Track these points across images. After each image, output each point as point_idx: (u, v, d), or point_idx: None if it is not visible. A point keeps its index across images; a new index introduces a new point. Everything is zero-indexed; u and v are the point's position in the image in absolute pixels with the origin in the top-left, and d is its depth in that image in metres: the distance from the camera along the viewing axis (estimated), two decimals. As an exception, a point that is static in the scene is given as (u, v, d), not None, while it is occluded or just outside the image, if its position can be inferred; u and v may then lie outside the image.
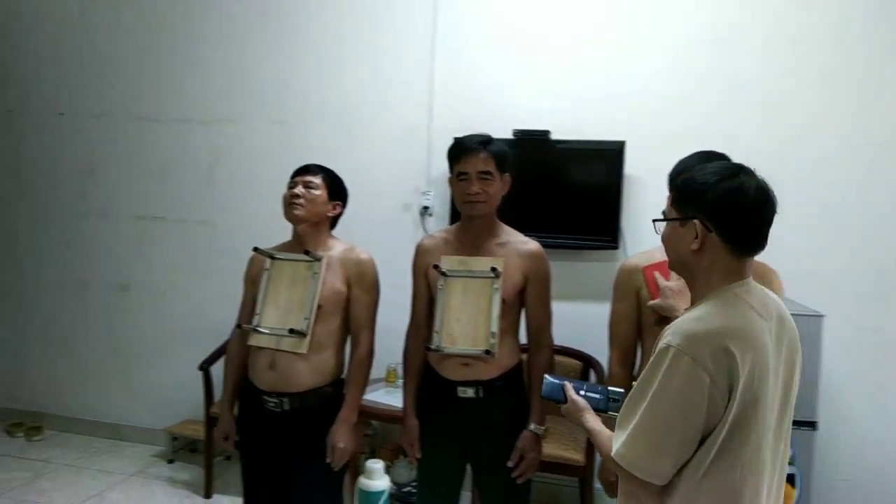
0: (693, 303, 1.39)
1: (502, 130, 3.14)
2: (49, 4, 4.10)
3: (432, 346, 2.11)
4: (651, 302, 1.90)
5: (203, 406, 3.41)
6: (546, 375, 1.65)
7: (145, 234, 4.01)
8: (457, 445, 2.16)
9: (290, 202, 2.16)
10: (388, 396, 3.15)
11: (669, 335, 1.30)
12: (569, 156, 3.29)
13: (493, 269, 2.08)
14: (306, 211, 2.16)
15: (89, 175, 4.09)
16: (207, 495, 3.42)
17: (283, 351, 2.11)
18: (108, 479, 3.58)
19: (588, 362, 3.19)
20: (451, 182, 2.15)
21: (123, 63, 3.99)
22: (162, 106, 3.93)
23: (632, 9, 3.24)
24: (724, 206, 1.32)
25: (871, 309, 3.02)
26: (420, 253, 2.25)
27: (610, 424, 1.43)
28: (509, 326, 2.15)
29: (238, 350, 2.27)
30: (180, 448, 3.90)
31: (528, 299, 2.17)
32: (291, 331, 2.10)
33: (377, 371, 3.18)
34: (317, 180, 2.20)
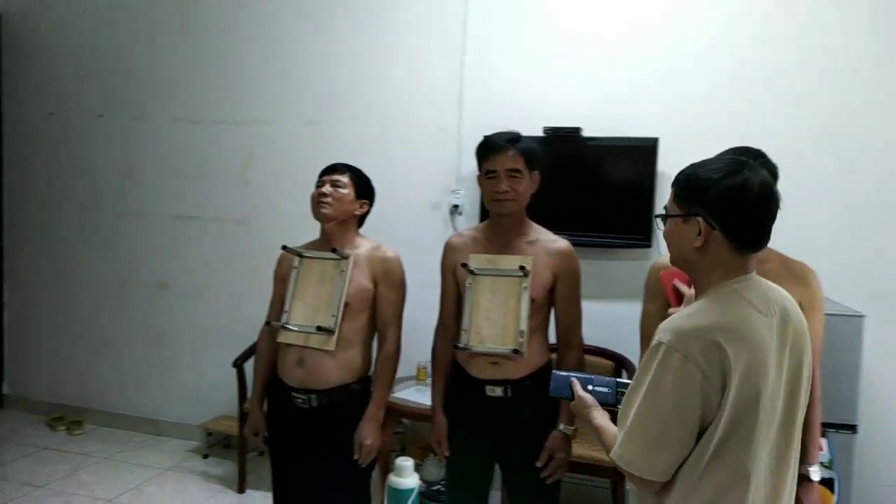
0: (696, 298, 1.37)
1: (533, 128, 3.13)
2: (86, 10, 4.20)
3: (460, 345, 2.10)
4: (671, 310, 1.87)
5: (237, 402, 3.47)
6: (554, 371, 1.62)
7: (182, 233, 4.09)
8: (485, 444, 2.16)
9: (317, 201, 2.18)
10: (418, 394, 3.16)
11: (661, 332, 1.29)
12: (600, 153, 3.25)
13: (522, 268, 2.06)
14: (334, 209, 2.17)
15: (128, 176, 4.18)
16: (241, 490, 3.47)
17: (311, 348, 2.13)
18: (145, 473, 3.66)
19: (620, 362, 3.15)
20: (480, 180, 2.14)
21: (159, 65, 4.07)
22: (197, 107, 4.01)
23: (664, 4, 3.19)
24: (728, 203, 1.30)
25: (915, 309, 2.93)
26: (448, 251, 2.24)
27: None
28: (538, 325, 2.13)
29: (267, 347, 2.29)
30: (215, 443, 3.97)
31: (557, 298, 2.15)
32: (319, 328, 2.11)
33: (407, 369, 3.20)
34: (344, 179, 2.21)
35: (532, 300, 2.07)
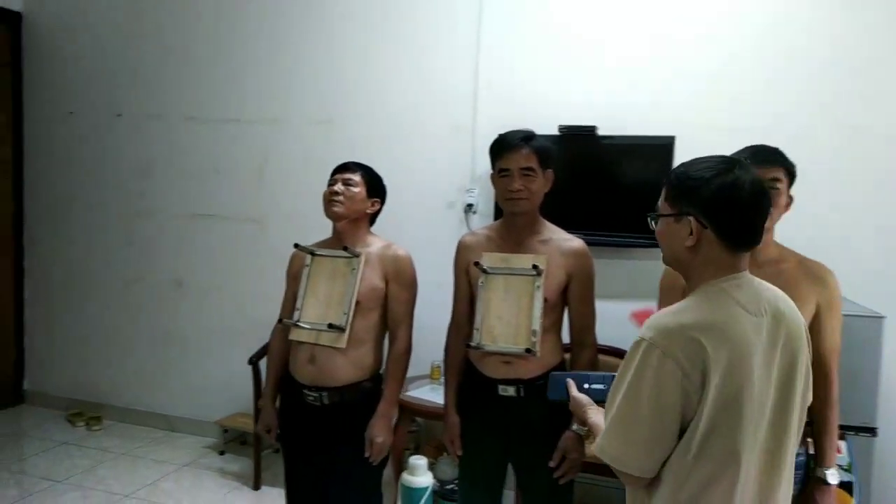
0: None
1: (548, 126, 3.11)
2: (105, 12, 4.24)
3: (472, 344, 2.10)
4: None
5: (252, 399, 3.49)
6: (551, 374, 1.62)
7: (197, 232, 4.12)
8: (498, 443, 2.15)
9: (329, 199, 2.19)
10: (433, 393, 3.16)
11: (644, 328, 1.30)
12: (616, 152, 3.23)
13: (535, 267, 2.05)
14: (345, 208, 2.18)
15: (145, 175, 4.22)
16: (256, 487, 3.49)
17: (323, 346, 2.14)
18: (162, 469, 3.69)
19: (635, 362, 3.12)
20: (493, 179, 2.13)
21: (175, 65, 4.10)
22: (212, 107, 4.03)
23: (680, 2, 3.16)
24: (720, 202, 1.30)
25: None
26: (461, 250, 2.24)
27: None
28: (552, 325, 2.12)
29: (280, 344, 2.31)
30: (231, 440, 4.00)
31: (571, 298, 2.14)
32: (330, 326, 2.12)
33: (421, 368, 3.21)
34: (356, 178, 2.22)
35: (545, 299, 2.06)
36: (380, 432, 2.15)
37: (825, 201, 2.89)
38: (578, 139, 3.23)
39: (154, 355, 4.27)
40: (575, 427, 2.07)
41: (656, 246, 1.43)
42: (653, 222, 1.44)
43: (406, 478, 2.91)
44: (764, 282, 1.39)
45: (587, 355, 2.15)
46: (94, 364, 4.43)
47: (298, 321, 2.18)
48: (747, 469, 1.27)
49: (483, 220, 3.40)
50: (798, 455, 1.84)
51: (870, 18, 2.92)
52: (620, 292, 3.12)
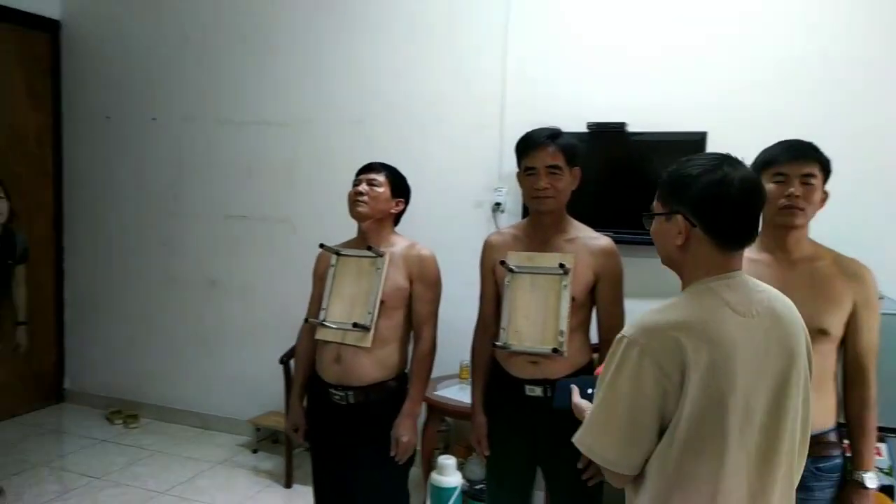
0: None
1: (576, 124, 3.09)
2: (139, 18, 4.33)
3: (499, 343, 2.08)
4: None
5: (284, 398, 3.52)
6: (558, 382, 1.61)
7: (230, 232, 4.18)
8: (525, 444, 2.13)
9: (354, 199, 2.21)
10: (462, 393, 3.15)
11: (627, 326, 1.30)
12: (646, 148, 3.18)
13: (562, 266, 2.03)
14: (370, 208, 2.19)
15: (179, 177, 4.30)
16: (288, 485, 3.53)
17: (348, 345, 2.15)
18: (197, 467, 3.75)
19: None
20: (519, 177, 2.12)
21: (207, 70, 4.17)
22: (243, 109, 4.08)
23: (713, -6, 3.11)
24: (707, 200, 1.28)
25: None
26: (487, 249, 2.23)
27: None
28: (580, 324, 2.09)
29: (307, 344, 2.33)
30: (263, 438, 4.05)
31: (599, 297, 2.11)
32: (355, 325, 2.14)
33: (450, 367, 3.21)
34: (380, 178, 2.23)
35: (572, 299, 2.04)
36: (405, 431, 2.15)
37: (863, 197, 2.81)
38: (607, 136, 3.19)
39: (189, 354, 4.35)
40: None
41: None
42: (647, 222, 1.43)
43: (435, 477, 2.90)
44: (759, 282, 1.37)
45: (616, 355, 2.11)
46: (131, 363, 4.53)
47: (324, 321, 2.20)
48: (734, 471, 1.24)
49: (511, 219, 3.38)
50: (835, 458, 1.79)
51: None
52: (650, 291, 3.04)
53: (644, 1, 3.20)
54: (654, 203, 1.40)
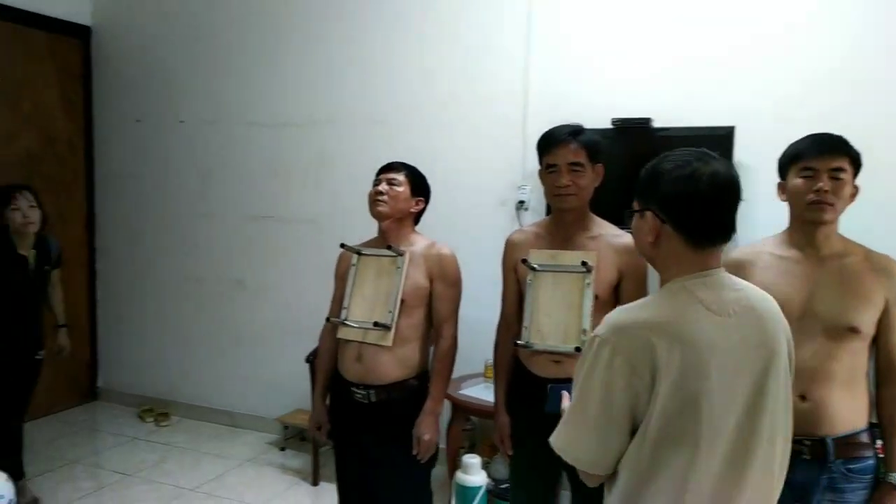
0: None
1: (601, 120, 3.06)
2: (167, 23, 4.40)
3: (521, 342, 2.07)
4: None
5: (311, 397, 3.54)
6: (550, 386, 1.58)
7: (257, 233, 4.22)
8: (548, 444, 2.10)
9: (374, 199, 2.22)
10: (486, 392, 3.13)
11: (601, 325, 1.28)
12: (672, 144, 3.05)
13: (584, 264, 2.01)
14: (390, 207, 2.20)
15: (207, 178, 4.35)
16: (315, 483, 3.56)
17: (369, 344, 2.16)
18: (226, 464, 3.80)
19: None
20: (541, 175, 2.10)
21: (233, 73, 4.22)
22: (269, 111, 4.12)
23: (740, -15, 3.05)
24: (675, 196, 1.26)
25: None
26: (509, 247, 2.21)
27: None
28: (603, 323, 2.07)
29: (329, 343, 2.35)
30: (291, 436, 4.08)
31: (623, 295, 2.07)
32: (376, 324, 2.15)
33: (475, 366, 3.20)
34: (400, 177, 2.23)
35: (595, 297, 2.01)
36: (427, 430, 2.16)
37: (892, 191, 2.73)
38: (633, 132, 3.15)
39: (218, 354, 4.41)
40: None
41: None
42: (628, 219, 1.41)
43: (460, 476, 2.88)
44: (739, 280, 1.34)
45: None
46: (162, 362, 4.60)
47: (346, 320, 2.21)
48: (705, 469, 1.21)
49: (535, 217, 3.34)
50: (867, 458, 1.75)
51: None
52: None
53: (669, -5, 3.16)
54: (634, 200, 1.38)
